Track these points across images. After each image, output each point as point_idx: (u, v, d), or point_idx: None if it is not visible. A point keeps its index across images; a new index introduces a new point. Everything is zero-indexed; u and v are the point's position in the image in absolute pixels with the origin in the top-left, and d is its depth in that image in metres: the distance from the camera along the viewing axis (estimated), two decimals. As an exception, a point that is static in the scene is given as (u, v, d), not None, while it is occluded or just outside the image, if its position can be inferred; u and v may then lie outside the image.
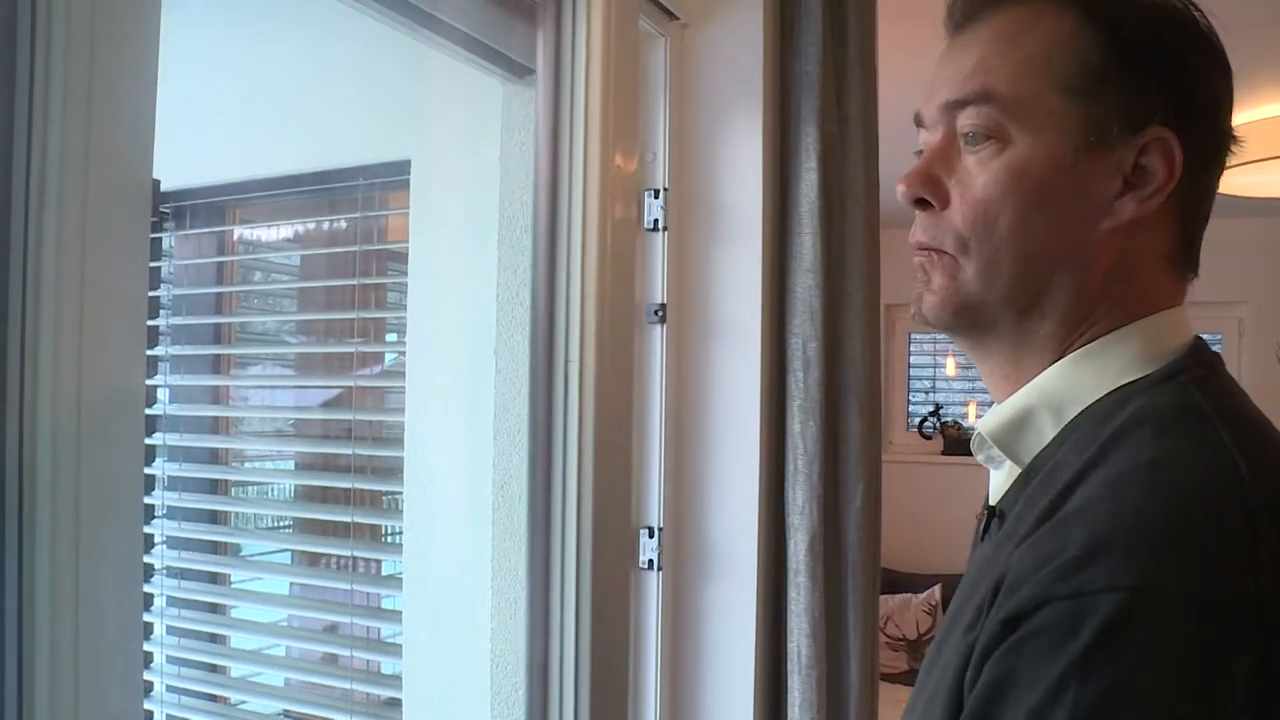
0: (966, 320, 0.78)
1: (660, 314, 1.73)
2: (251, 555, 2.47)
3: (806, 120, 1.72)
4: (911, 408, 5.67)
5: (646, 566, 1.74)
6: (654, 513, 1.75)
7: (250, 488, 2.53)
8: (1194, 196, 0.76)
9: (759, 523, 1.73)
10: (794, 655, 1.72)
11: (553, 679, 1.41)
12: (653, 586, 1.74)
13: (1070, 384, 0.75)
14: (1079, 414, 0.74)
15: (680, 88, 1.76)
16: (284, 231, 2.48)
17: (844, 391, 1.77)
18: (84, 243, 0.81)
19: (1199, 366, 0.73)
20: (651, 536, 1.74)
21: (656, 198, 1.73)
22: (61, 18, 0.80)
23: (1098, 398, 0.73)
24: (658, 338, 1.73)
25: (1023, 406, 0.76)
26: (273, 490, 2.70)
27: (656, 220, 1.73)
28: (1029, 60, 0.75)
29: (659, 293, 1.73)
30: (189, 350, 2.32)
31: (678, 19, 1.73)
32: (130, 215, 0.85)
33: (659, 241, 1.73)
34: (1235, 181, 3.76)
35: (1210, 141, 0.76)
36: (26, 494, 0.81)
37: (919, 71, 0.88)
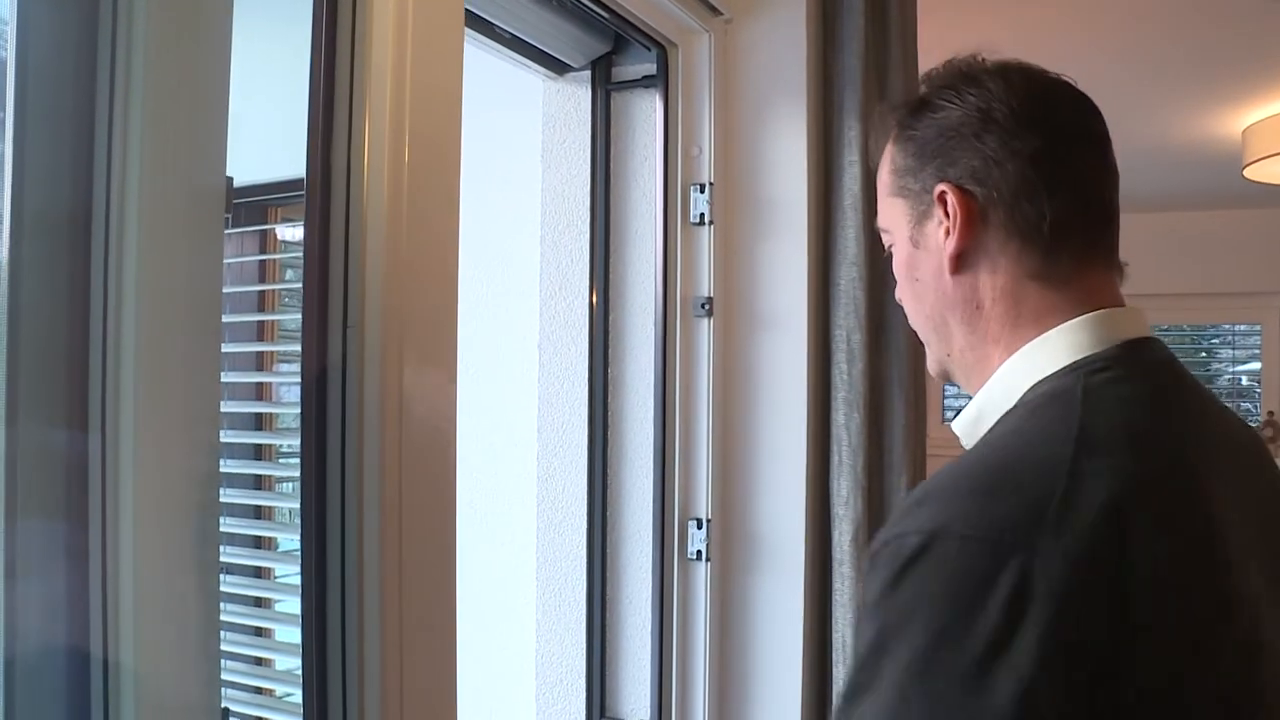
0: (948, 378, 1.00)
1: (707, 307, 1.74)
2: (295, 550, 2.49)
3: (849, 113, 1.72)
4: (946, 400, 5.66)
5: (695, 557, 1.76)
6: (702, 504, 1.76)
7: (291, 483, 2.56)
8: (1026, 221, 0.90)
9: (805, 514, 1.74)
10: (839, 645, 1.73)
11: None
12: (701, 577, 1.76)
13: (1006, 383, 0.91)
14: (1010, 408, 0.88)
15: (725, 83, 1.77)
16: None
17: (888, 383, 1.78)
18: (163, 239, 0.83)
19: (1104, 360, 0.85)
20: (700, 528, 1.75)
21: (702, 192, 1.74)
22: (141, 19, 0.82)
23: (1025, 391, 0.88)
24: (705, 331, 1.74)
25: (979, 404, 0.94)
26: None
27: (703, 214, 1.74)
28: (882, 186, 1.01)
29: (706, 286, 1.74)
30: (232, 348, 2.34)
31: (721, 15, 1.74)
32: (206, 212, 0.87)
33: (705, 236, 1.74)
34: (1274, 170, 3.73)
35: (1004, 183, 0.90)
36: (109, 492, 0.82)
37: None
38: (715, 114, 1.75)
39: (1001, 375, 0.92)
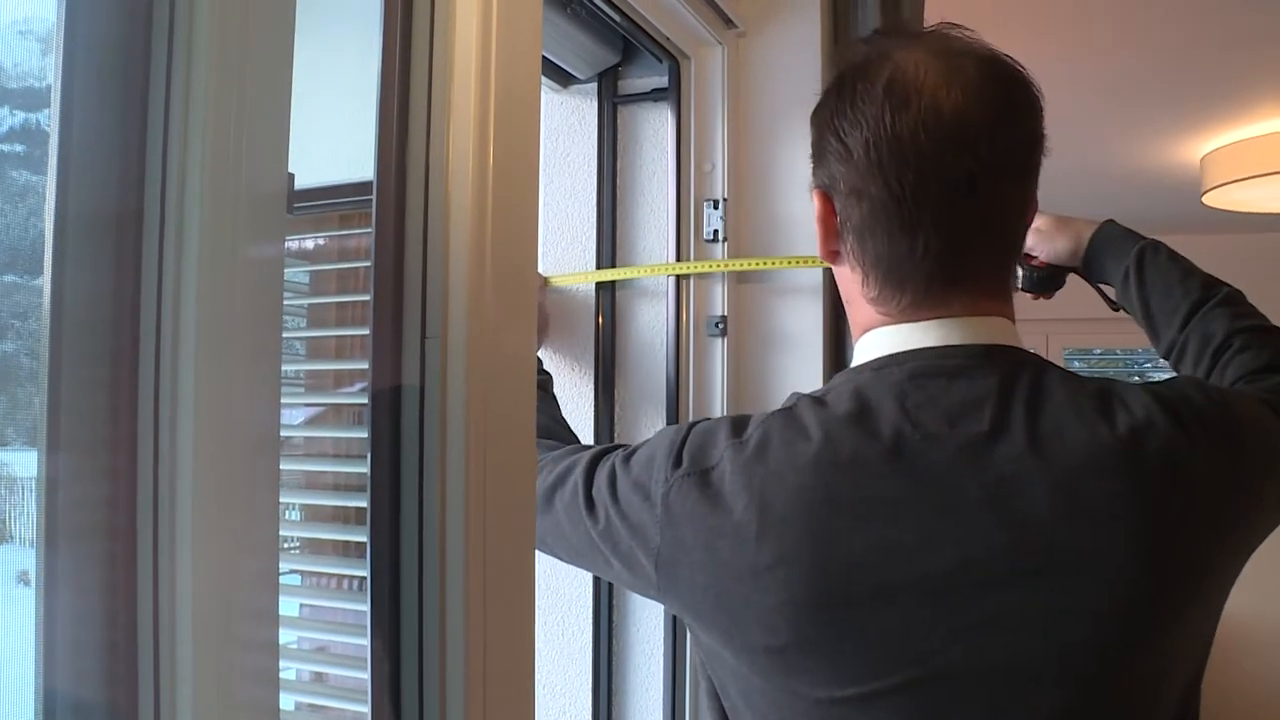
0: None
1: (721, 326, 1.69)
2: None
3: (861, 130, 1.69)
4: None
5: (709, 584, 1.70)
6: (719, 529, 1.70)
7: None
8: (866, 256, 0.98)
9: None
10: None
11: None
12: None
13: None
14: None
15: (738, 97, 1.73)
16: (293, 247, 2.41)
17: (898, 405, 1.74)
18: (225, 240, 0.77)
19: (849, 370, 1.00)
20: (715, 553, 1.69)
21: (715, 208, 1.70)
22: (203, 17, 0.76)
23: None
24: (719, 351, 1.69)
25: None
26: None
27: (716, 231, 1.69)
28: None
29: (719, 305, 1.69)
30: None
31: (735, 27, 1.70)
32: (268, 210, 0.81)
33: (719, 253, 1.69)
34: (1231, 197, 3.80)
35: (852, 216, 0.97)
36: (164, 512, 0.75)
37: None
38: (729, 129, 1.71)
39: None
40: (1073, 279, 1.52)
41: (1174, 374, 1.31)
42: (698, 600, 0.95)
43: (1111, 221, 1.45)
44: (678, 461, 0.97)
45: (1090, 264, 1.45)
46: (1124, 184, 4.21)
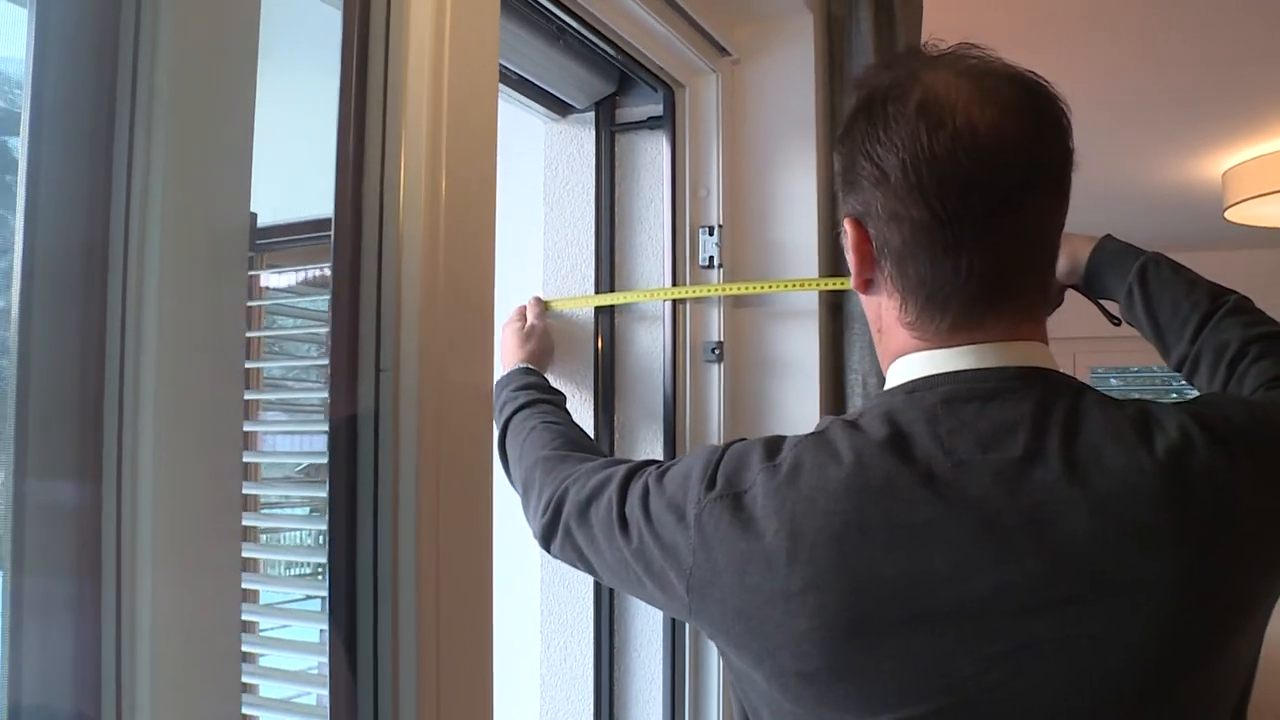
0: None
1: (717, 352, 1.70)
2: (279, 603, 2.40)
3: (858, 155, 1.70)
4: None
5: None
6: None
7: (276, 534, 2.49)
8: (907, 280, 0.94)
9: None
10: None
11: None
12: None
13: None
14: None
15: (732, 124, 1.74)
16: (309, 275, 2.43)
17: (900, 428, 1.74)
18: (186, 278, 0.79)
19: (881, 394, 0.98)
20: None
21: (711, 235, 1.71)
22: (165, 50, 0.78)
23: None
24: (715, 376, 1.70)
25: None
26: (293, 537, 2.62)
27: (712, 257, 1.70)
28: None
29: (716, 331, 1.70)
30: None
31: (729, 55, 1.71)
32: (229, 250, 0.82)
33: (715, 279, 1.70)
34: (1254, 212, 3.76)
35: (891, 242, 0.94)
36: (125, 547, 0.77)
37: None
38: (723, 155, 1.72)
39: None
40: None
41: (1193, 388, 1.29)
42: (729, 624, 0.94)
43: (1109, 237, 1.42)
44: (711, 483, 0.96)
45: (1091, 281, 1.42)
46: (1146, 201, 4.17)
